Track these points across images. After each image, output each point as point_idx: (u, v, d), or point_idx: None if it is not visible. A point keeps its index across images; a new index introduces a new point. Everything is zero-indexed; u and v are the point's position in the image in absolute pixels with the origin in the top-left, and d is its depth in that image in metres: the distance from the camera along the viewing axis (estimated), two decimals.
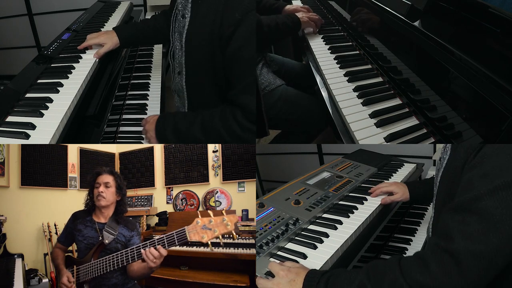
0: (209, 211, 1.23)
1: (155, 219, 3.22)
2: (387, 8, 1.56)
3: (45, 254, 2.73)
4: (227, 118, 1.31)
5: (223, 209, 2.94)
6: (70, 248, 1.75)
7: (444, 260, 0.78)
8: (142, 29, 1.84)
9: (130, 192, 3.51)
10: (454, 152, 0.96)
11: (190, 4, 1.40)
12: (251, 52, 1.28)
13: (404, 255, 0.90)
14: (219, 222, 1.20)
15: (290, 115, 2.01)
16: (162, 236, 1.27)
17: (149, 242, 1.29)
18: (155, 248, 1.26)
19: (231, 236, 1.21)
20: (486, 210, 0.76)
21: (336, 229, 1.23)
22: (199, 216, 1.23)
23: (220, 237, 1.21)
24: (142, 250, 1.28)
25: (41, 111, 1.26)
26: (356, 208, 1.40)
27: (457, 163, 0.90)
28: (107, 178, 1.56)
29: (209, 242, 1.21)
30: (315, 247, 1.12)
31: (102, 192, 1.53)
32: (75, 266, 1.49)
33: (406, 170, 1.94)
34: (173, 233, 1.25)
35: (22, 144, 2.60)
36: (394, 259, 0.87)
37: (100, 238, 1.48)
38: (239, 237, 2.27)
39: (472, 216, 0.78)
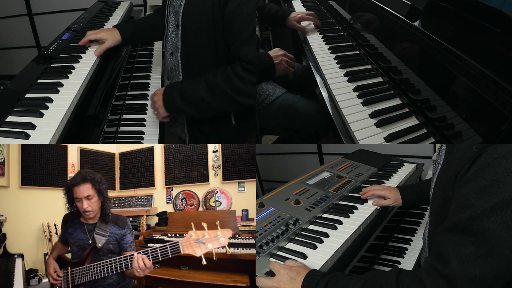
0: (202, 223, 1.22)
1: (155, 219, 3.22)
2: (387, 8, 1.56)
3: (45, 254, 2.73)
4: (228, 75, 1.38)
5: (223, 209, 2.95)
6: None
7: (439, 285, 0.75)
8: (141, 26, 1.86)
9: (130, 192, 3.52)
10: (448, 158, 0.90)
11: None
12: (249, 7, 1.36)
13: (403, 269, 0.86)
14: (213, 237, 1.19)
15: (291, 124, 1.97)
16: (156, 247, 1.26)
17: (143, 252, 1.28)
18: (143, 260, 1.26)
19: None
20: (484, 231, 0.70)
21: (336, 229, 1.23)
22: (193, 229, 1.22)
23: (214, 252, 1.20)
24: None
25: (41, 111, 1.26)
26: (356, 208, 1.40)
27: (450, 172, 0.83)
28: (86, 190, 1.45)
29: (202, 257, 1.20)
30: (315, 247, 1.12)
31: (86, 207, 1.45)
32: (69, 268, 1.48)
33: (406, 170, 1.94)
34: (166, 246, 1.24)
35: (22, 144, 2.60)
36: (392, 273, 0.84)
37: (91, 241, 1.46)
38: (239, 237, 2.27)
39: (469, 237, 0.72)
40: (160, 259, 1.25)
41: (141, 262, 1.26)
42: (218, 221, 1.25)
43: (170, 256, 1.24)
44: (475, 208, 0.71)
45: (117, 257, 1.35)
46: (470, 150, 0.77)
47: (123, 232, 1.50)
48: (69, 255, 1.59)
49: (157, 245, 1.27)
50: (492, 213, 0.69)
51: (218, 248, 1.20)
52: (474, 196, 0.73)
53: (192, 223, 1.25)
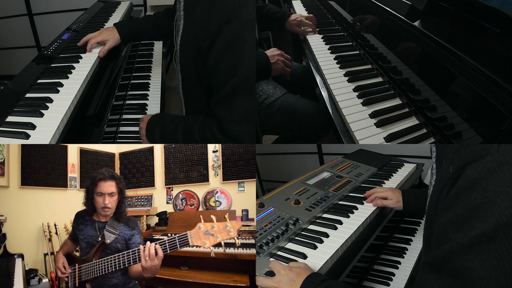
0: (212, 216, 1.20)
1: (155, 219, 3.21)
2: (387, 8, 1.56)
3: (45, 254, 2.73)
4: (205, 131, 1.30)
5: (223, 209, 2.95)
6: None
7: None
8: (143, 25, 1.83)
9: (130, 192, 3.51)
10: (436, 180, 0.81)
11: (182, 12, 1.36)
12: (229, 63, 1.22)
13: None
14: (222, 228, 1.18)
15: (291, 124, 1.97)
16: (164, 239, 1.26)
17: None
18: (156, 248, 1.24)
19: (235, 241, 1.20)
20: (462, 270, 0.61)
21: (336, 229, 1.23)
22: (202, 221, 1.21)
23: (223, 243, 1.19)
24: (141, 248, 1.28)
25: (41, 111, 1.26)
26: (356, 208, 1.40)
27: (433, 197, 0.75)
28: (111, 187, 1.50)
29: (211, 248, 1.19)
30: (315, 247, 1.12)
31: (108, 203, 1.48)
32: (77, 265, 1.50)
33: (406, 170, 1.94)
34: (175, 237, 1.23)
35: (22, 144, 2.60)
36: None
37: (100, 238, 1.48)
38: (239, 237, 2.27)
39: (447, 276, 0.64)
40: (169, 251, 1.24)
41: (152, 249, 1.24)
42: (227, 214, 1.25)
43: (179, 248, 1.23)
44: (451, 243, 0.62)
45: (121, 253, 1.35)
46: (448, 171, 0.67)
47: (132, 232, 1.51)
48: (77, 254, 1.60)
49: (165, 238, 1.27)
50: (470, 249, 0.60)
51: (227, 239, 1.18)
52: (451, 228, 0.63)
53: (201, 216, 1.24)
